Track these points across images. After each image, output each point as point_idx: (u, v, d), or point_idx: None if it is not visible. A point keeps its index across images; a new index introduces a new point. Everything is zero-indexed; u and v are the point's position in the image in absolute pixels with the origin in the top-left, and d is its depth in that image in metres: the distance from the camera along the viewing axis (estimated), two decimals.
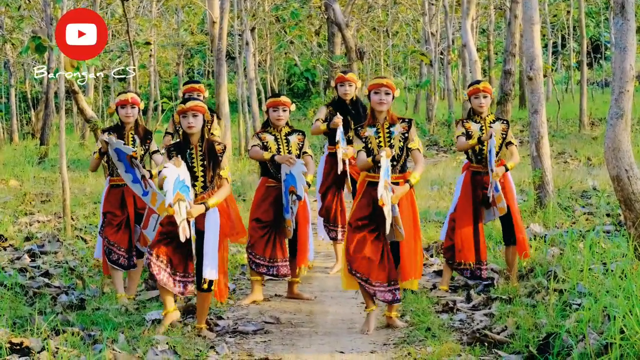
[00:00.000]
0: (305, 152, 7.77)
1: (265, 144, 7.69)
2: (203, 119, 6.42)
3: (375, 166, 6.63)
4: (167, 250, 6.44)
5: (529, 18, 10.57)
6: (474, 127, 7.76)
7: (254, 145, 7.70)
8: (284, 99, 7.78)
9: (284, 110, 7.73)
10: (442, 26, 26.68)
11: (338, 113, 8.59)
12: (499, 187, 7.59)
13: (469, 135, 7.73)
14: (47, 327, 6.23)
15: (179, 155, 6.36)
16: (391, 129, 6.73)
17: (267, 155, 7.62)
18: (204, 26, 29.82)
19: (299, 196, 7.49)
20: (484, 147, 7.70)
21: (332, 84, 8.99)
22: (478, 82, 7.83)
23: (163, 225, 6.49)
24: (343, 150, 8.37)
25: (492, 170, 7.50)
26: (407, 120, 6.80)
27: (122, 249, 7.62)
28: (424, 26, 27.42)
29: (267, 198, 7.78)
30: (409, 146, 6.70)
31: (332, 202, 8.85)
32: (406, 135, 6.71)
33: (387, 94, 6.68)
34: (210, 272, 6.39)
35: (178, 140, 6.55)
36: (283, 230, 7.74)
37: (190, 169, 6.40)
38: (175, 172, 6.16)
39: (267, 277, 7.99)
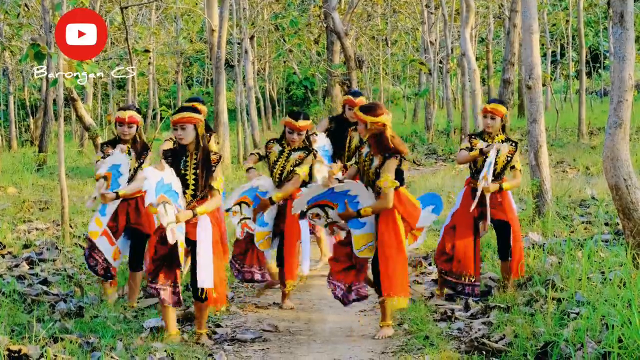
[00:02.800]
0: (293, 170, 7.64)
1: (268, 153, 7.72)
2: (195, 128, 6.42)
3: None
4: (163, 271, 6.49)
5: (528, 27, 10.58)
6: (479, 145, 7.73)
7: (252, 154, 7.86)
8: (301, 123, 7.60)
9: (299, 135, 7.64)
10: (441, 35, 26.75)
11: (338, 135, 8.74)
12: (487, 202, 7.52)
13: (472, 151, 7.71)
14: (46, 334, 6.22)
15: (165, 160, 6.40)
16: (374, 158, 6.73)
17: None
18: (203, 34, 29.85)
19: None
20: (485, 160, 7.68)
21: (341, 98, 9.13)
22: (493, 100, 7.81)
23: (155, 249, 6.49)
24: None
25: (482, 179, 7.44)
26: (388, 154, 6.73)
27: (102, 257, 7.64)
28: (423, 35, 27.48)
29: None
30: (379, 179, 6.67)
31: None
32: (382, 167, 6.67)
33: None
34: (204, 281, 6.40)
35: (176, 146, 6.56)
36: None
37: (183, 175, 6.42)
38: (157, 175, 6.20)
39: (257, 285, 8.18)
